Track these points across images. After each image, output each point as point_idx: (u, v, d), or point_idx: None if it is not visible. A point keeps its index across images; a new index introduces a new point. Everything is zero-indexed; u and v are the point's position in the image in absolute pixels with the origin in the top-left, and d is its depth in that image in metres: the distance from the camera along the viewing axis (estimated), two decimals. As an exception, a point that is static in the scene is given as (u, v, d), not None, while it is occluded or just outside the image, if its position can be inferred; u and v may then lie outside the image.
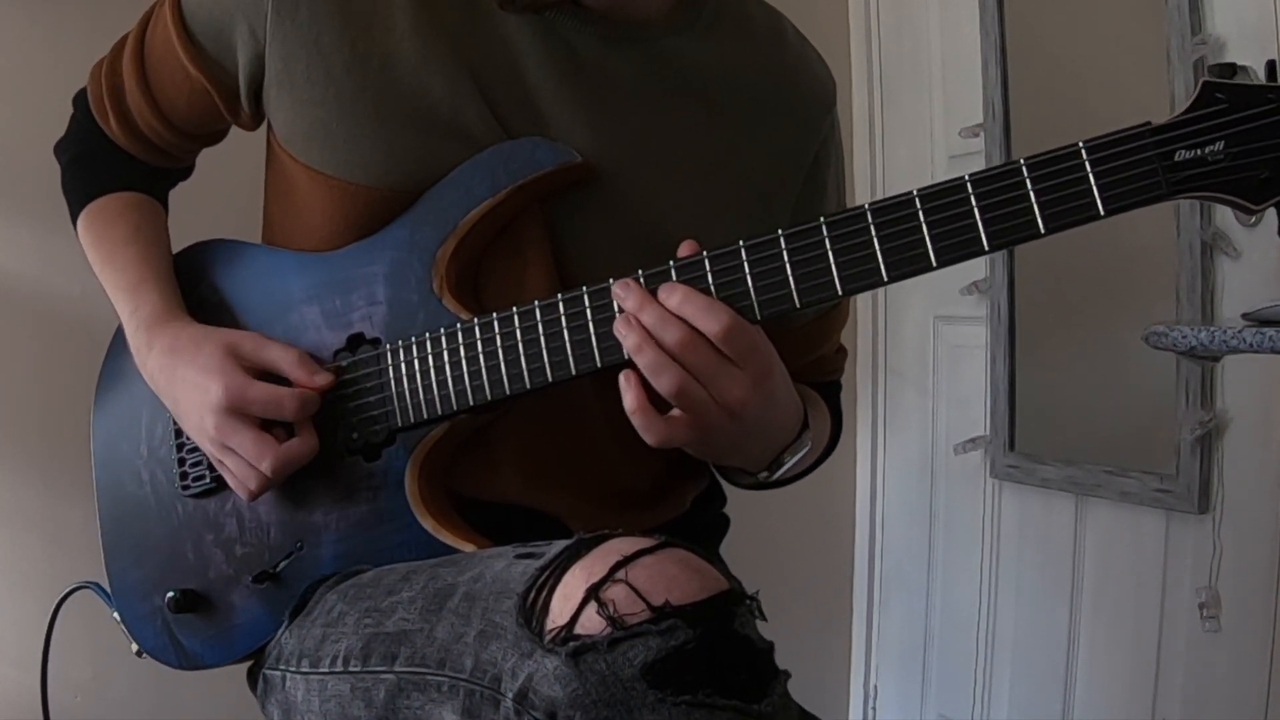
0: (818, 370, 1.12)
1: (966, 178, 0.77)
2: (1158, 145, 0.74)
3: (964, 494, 2.18)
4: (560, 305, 0.87)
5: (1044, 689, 1.98)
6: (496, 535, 0.90)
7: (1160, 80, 1.67)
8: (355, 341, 0.96)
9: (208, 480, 1.00)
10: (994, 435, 2.08)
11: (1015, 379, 2.04)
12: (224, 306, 1.03)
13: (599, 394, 0.95)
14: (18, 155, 1.73)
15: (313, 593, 0.94)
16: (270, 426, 0.93)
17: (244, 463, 0.92)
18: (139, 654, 1.05)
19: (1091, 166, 0.75)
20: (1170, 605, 1.73)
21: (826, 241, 0.80)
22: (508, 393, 0.89)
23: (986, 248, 0.77)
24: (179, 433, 1.02)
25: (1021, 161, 0.76)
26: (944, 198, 0.78)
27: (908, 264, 0.79)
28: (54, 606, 1.11)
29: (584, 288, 0.86)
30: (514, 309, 0.88)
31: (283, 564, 0.97)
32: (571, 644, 0.68)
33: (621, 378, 0.84)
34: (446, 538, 0.91)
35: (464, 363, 0.90)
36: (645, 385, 0.83)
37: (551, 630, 0.69)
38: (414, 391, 0.92)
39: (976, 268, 2.08)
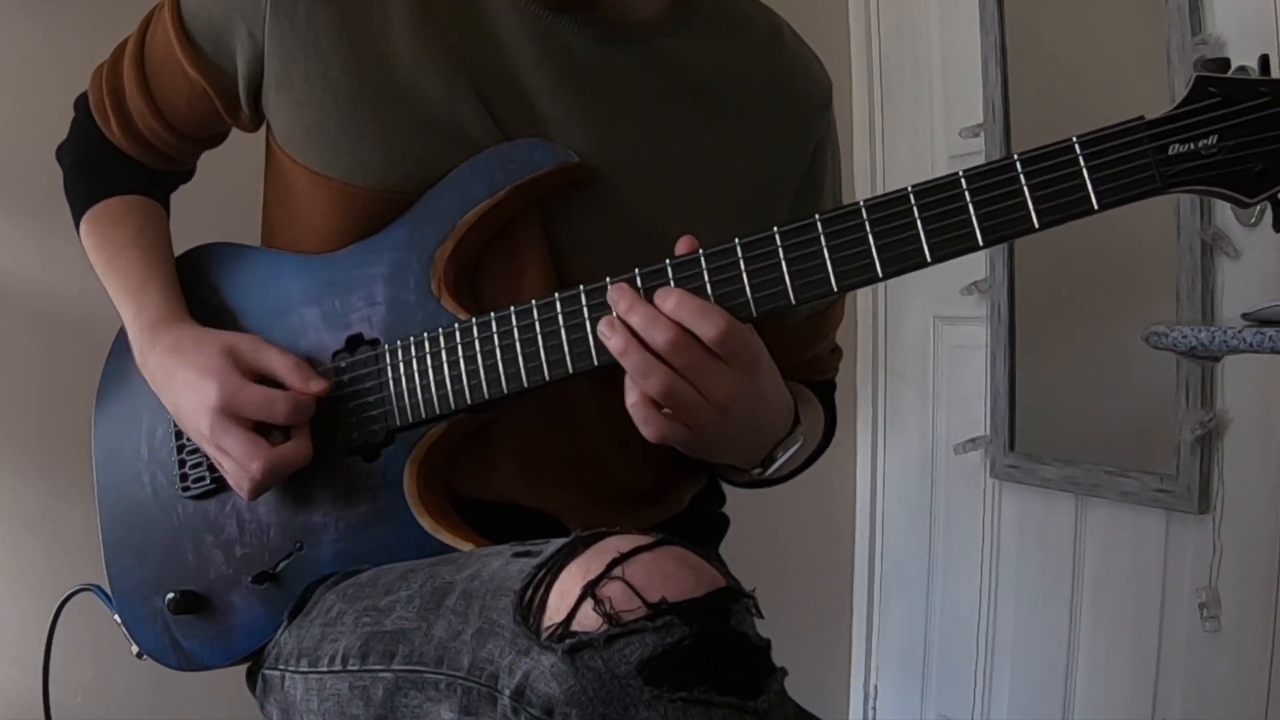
0: (812, 369, 1.12)
1: (961, 173, 0.77)
2: (1151, 139, 0.74)
3: (964, 494, 2.18)
4: (557, 304, 0.87)
5: (1044, 689, 1.98)
6: (494, 534, 0.90)
7: (1160, 80, 1.67)
8: (354, 342, 0.96)
9: (208, 482, 1.00)
10: (994, 435, 2.08)
11: (1015, 379, 2.04)
12: (224, 309, 1.03)
13: (596, 393, 0.95)
14: (18, 155, 1.73)
15: (311, 593, 0.94)
16: (265, 430, 0.93)
17: (236, 464, 0.92)
18: (139, 656, 1.06)
19: (1085, 161, 0.75)
20: (1170, 605, 1.73)
21: (821, 238, 0.80)
22: (505, 392, 0.89)
23: (981, 243, 0.77)
24: (179, 434, 1.02)
25: (1016, 157, 0.76)
26: (938, 194, 0.78)
27: (902, 260, 0.79)
28: (55, 609, 1.11)
29: (581, 287, 0.86)
30: (511, 309, 0.88)
31: (282, 564, 0.97)
32: (568, 641, 0.68)
33: (627, 380, 0.84)
34: (445, 537, 0.91)
35: (462, 362, 0.90)
36: None
37: (548, 627, 0.70)
38: (412, 391, 0.92)
39: (977, 268, 2.08)
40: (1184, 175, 0.74)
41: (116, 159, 1.10)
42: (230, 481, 0.95)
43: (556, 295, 0.87)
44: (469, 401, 0.90)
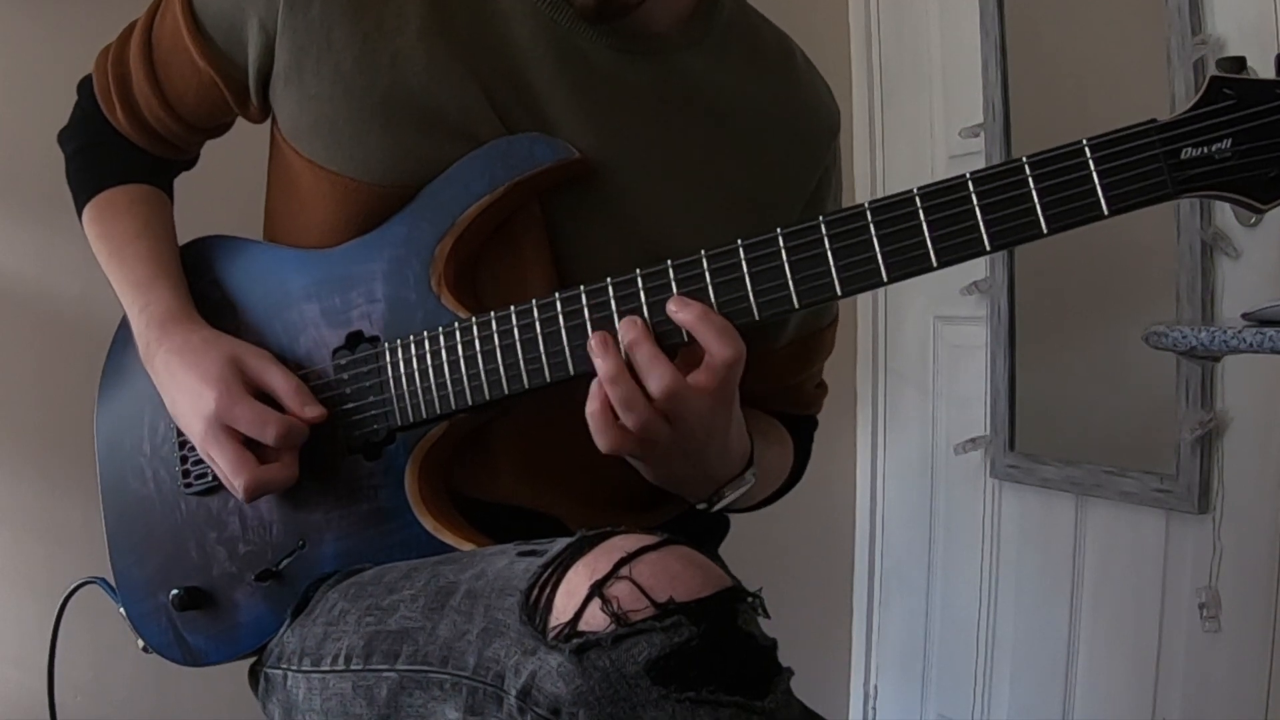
0: (793, 401, 1.12)
1: (968, 176, 0.76)
2: (1163, 143, 0.72)
3: (964, 494, 2.18)
4: (558, 305, 0.86)
5: (1044, 689, 1.98)
6: (496, 536, 0.90)
7: (1160, 80, 1.67)
8: (355, 339, 0.96)
9: (209, 479, 1.00)
10: (994, 435, 2.08)
11: (1015, 379, 2.04)
12: (224, 303, 1.03)
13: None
14: (18, 155, 1.73)
15: (314, 591, 0.94)
16: (256, 446, 0.93)
17: (222, 474, 0.93)
18: (145, 650, 1.06)
19: (1095, 165, 0.73)
20: (1170, 605, 1.73)
21: (825, 241, 0.79)
22: (506, 393, 0.89)
23: (988, 248, 0.76)
24: (181, 431, 1.02)
25: (1024, 160, 0.74)
26: (945, 196, 0.76)
27: (908, 264, 0.78)
28: (60, 602, 1.11)
29: (581, 287, 0.86)
30: (512, 308, 0.88)
31: (285, 562, 0.97)
32: (575, 641, 0.68)
33: (594, 385, 0.84)
34: (447, 536, 0.91)
35: (462, 362, 0.90)
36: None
37: (555, 627, 0.70)
38: (413, 391, 0.92)
39: (976, 268, 2.08)
40: (1196, 180, 0.72)
41: (121, 146, 1.10)
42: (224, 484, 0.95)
43: (557, 295, 0.87)
44: (470, 401, 0.90)
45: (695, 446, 0.86)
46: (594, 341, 0.83)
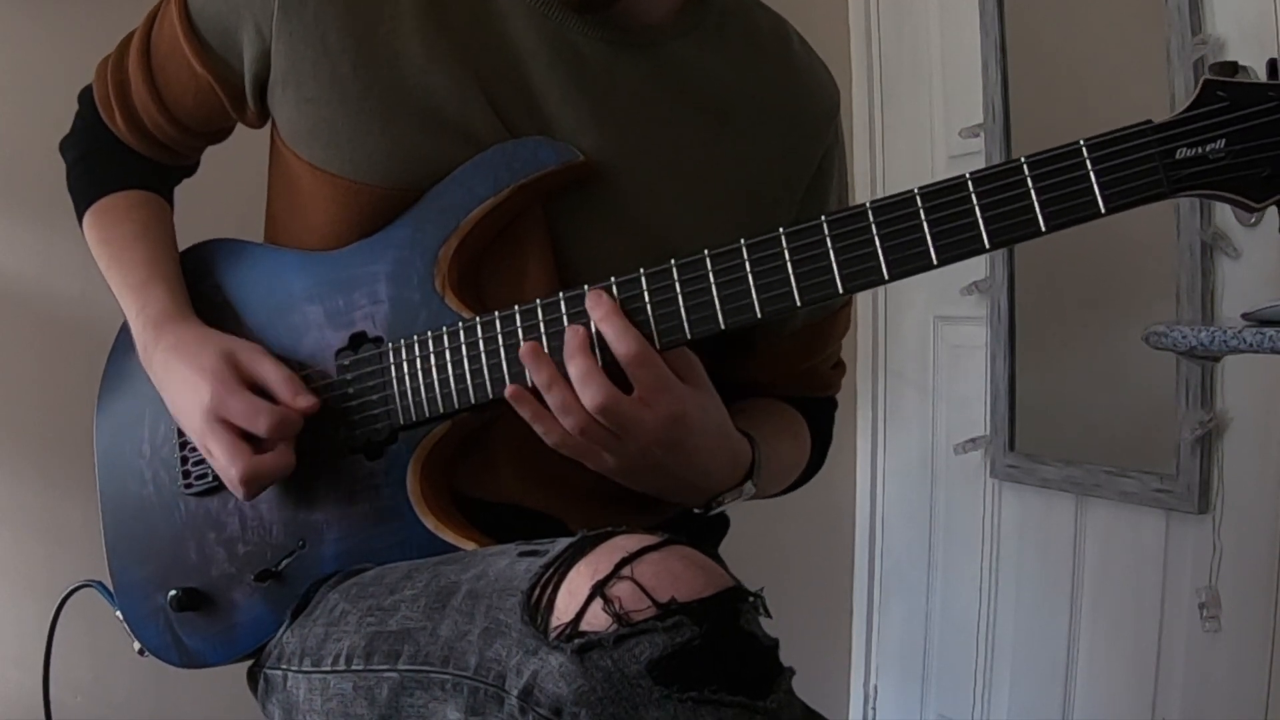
0: (809, 384, 1.11)
1: (968, 176, 0.77)
2: (1159, 143, 0.74)
3: (964, 494, 2.18)
4: (562, 304, 0.87)
5: (1044, 689, 1.98)
6: (497, 535, 0.90)
7: (1160, 80, 1.67)
8: (358, 340, 0.96)
9: (210, 479, 1.00)
10: (994, 435, 2.08)
11: (1015, 379, 2.04)
12: (227, 306, 1.03)
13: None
14: (18, 155, 1.73)
15: (314, 591, 0.94)
16: (253, 438, 0.93)
17: (219, 466, 0.93)
18: (141, 653, 1.06)
19: (1092, 165, 0.74)
20: (1170, 605, 1.73)
21: (828, 240, 0.80)
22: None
23: (988, 246, 0.77)
24: (181, 431, 1.02)
25: (1023, 160, 0.76)
26: (945, 196, 0.78)
27: (909, 262, 0.79)
28: (56, 605, 1.11)
29: (585, 287, 0.86)
30: (515, 308, 0.88)
31: (285, 562, 0.97)
32: (577, 641, 0.68)
33: (510, 394, 0.85)
34: (448, 536, 0.91)
35: (465, 361, 0.90)
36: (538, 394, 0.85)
37: (556, 627, 0.70)
38: (416, 390, 0.92)
39: (977, 268, 2.08)
40: (1191, 180, 0.73)
41: (121, 153, 1.10)
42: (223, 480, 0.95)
43: (561, 295, 0.87)
44: (473, 400, 0.90)
45: (655, 461, 0.86)
46: (525, 353, 0.85)
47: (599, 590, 0.69)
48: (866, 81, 2.40)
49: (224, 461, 0.92)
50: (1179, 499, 1.69)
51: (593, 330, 0.84)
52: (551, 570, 0.73)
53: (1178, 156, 0.73)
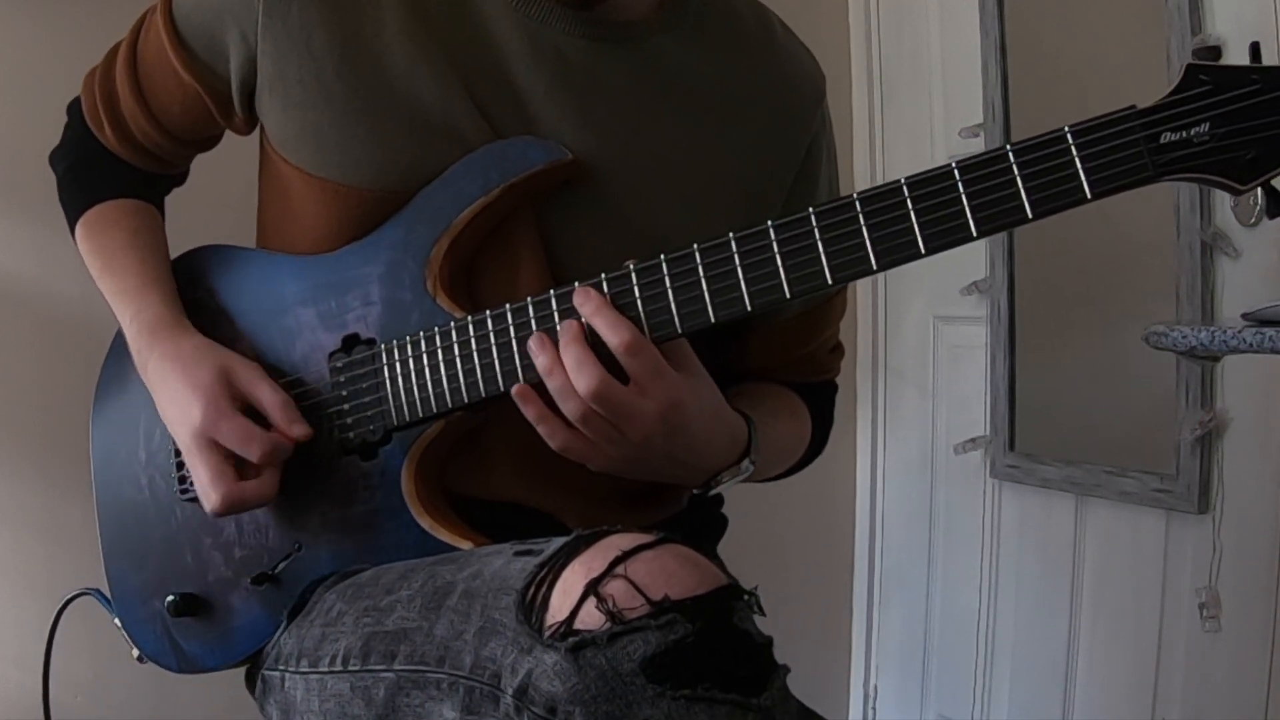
0: (808, 369, 1.12)
1: (953, 164, 0.78)
2: (1143, 128, 0.74)
3: (964, 494, 2.18)
4: (553, 302, 0.87)
5: (1044, 689, 1.98)
6: (492, 534, 0.90)
7: (1160, 80, 1.67)
8: (350, 342, 0.96)
9: (204, 486, 1.00)
10: (994, 435, 2.08)
11: (1015, 379, 2.04)
12: (220, 311, 1.03)
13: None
14: (18, 155, 1.73)
15: (311, 593, 0.94)
16: (239, 460, 0.93)
17: (200, 486, 0.93)
18: (140, 659, 1.06)
19: (1078, 150, 0.75)
20: (1170, 605, 1.73)
21: (816, 231, 0.81)
22: (502, 390, 0.89)
23: (975, 234, 0.77)
24: (176, 437, 1.03)
25: (1008, 147, 0.76)
26: (931, 185, 0.78)
27: (897, 251, 0.79)
28: (55, 612, 1.11)
29: (576, 284, 0.86)
30: (507, 306, 0.88)
31: (281, 565, 0.97)
32: (571, 639, 0.68)
33: (516, 393, 0.86)
34: (444, 535, 0.91)
35: (458, 360, 0.90)
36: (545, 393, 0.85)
37: (551, 626, 0.70)
38: (409, 390, 0.92)
39: (976, 268, 2.08)
40: (1176, 163, 0.74)
41: (110, 163, 1.10)
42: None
43: (552, 292, 0.87)
44: (466, 400, 0.90)
45: (656, 449, 0.86)
46: (533, 342, 0.85)
47: (593, 589, 0.69)
48: (866, 81, 2.40)
49: (206, 483, 0.92)
50: (1179, 499, 1.69)
51: (585, 325, 0.84)
52: (546, 569, 0.73)
53: (1162, 141, 0.74)
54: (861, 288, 2.38)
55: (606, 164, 0.94)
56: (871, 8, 2.39)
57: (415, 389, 0.92)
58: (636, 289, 0.85)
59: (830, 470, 2.40)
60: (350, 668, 0.83)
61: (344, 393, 0.95)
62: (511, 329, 0.88)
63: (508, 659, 0.71)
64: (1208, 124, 0.73)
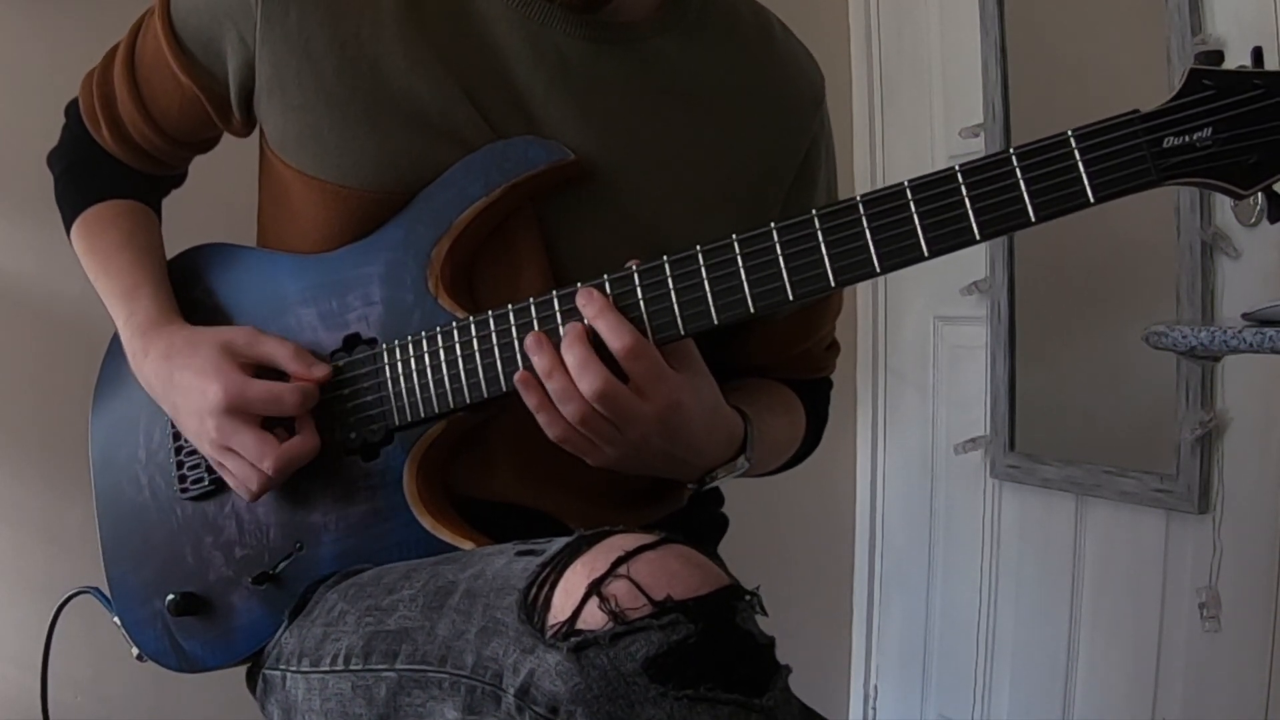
0: (804, 367, 1.12)
1: (957, 168, 0.78)
2: (1146, 132, 0.74)
3: (964, 494, 2.18)
4: (555, 302, 0.87)
5: (1044, 689, 1.98)
6: (494, 534, 0.91)
7: (1160, 80, 1.67)
8: (351, 342, 0.96)
9: (206, 483, 1.00)
10: (994, 435, 2.08)
11: (1015, 379, 2.04)
12: (219, 310, 1.03)
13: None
14: (18, 155, 1.73)
15: (312, 593, 0.94)
16: (271, 425, 0.93)
17: (245, 463, 0.92)
18: (139, 658, 1.05)
19: (1081, 155, 0.75)
20: (1170, 605, 1.73)
21: (819, 234, 0.81)
22: (504, 390, 0.89)
23: (978, 237, 0.78)
24: (177, 436, 1.02)
25: (1011, 151, 0.76)
26: (935, 188, 0.78)
27: (900, 254, 0.79)
28: (54, 611, 1.11)
29: (578, 285, 0.86)
30: (509, 307, 0.88)
31: (282, 565, 0.97)
32: (573, 639, 0.68)
33: (519, 379, 0.86)
34: (445, 535, 0.91)
35: (460, 360, 0.90)
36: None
37: (553, 626, 0.70)
38: (411, 390, 0.92)
39: (977, 268, 2.08)
40: (1179, 168, 0.74)
41: (107, 164, 1.10)
42: (233, 483, 0.94)
43: (554, 293, 0.87)
44: (468, 400, 0.90)
45: (654, 448, 0.87)
46: (529, 341, 0.85)
47: (595, 589, 0.69)
48: (866, 81, 2.40)
49: (255, 456, 0.91)
50: (1179, 499, 1.69)
51: (588, 327, 0.84)
52: (548, 569, 0.73)
53: (1165, 145, 0.74)
54: (862, 288, 2.38)
55: (607, 165, 0.94)
56: (871, 8, 2.39)
57: (417, 389, 0.92)
58: (639, 290, 0.85)
59: (830, 470, 2.41)
60: (352, 667, 0.83)
61: (345, 392, 0.95)
62: (514, 329, 0.88)
63: (510, 659, 0.71)
64: (1210, 129, 0.73)
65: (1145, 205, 0.76)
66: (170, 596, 1.01)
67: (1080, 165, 0.75)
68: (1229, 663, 1.63)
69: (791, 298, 0.82)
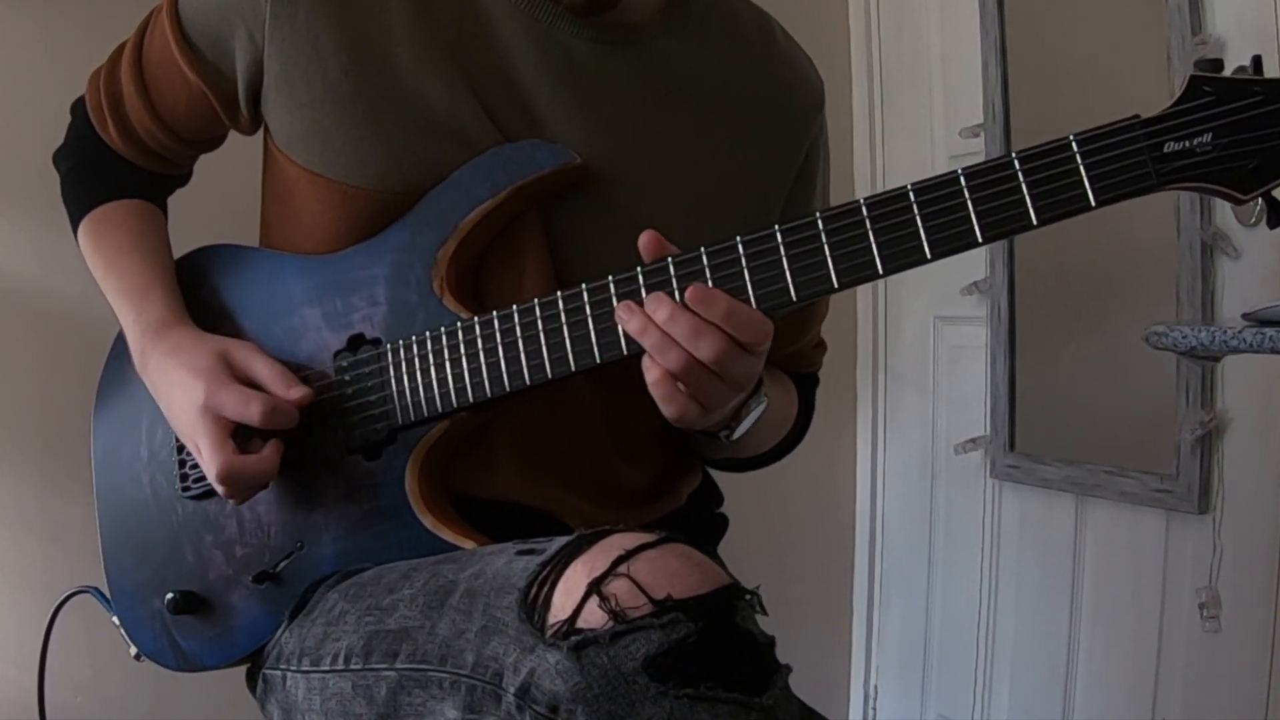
0: (794, 364, 1.12)
1: (959, 171, 0.79)
2: (1147, 137, 0.75)
3: (964, 494, 2.18)
4: (560, 302, 0.87)
5: (1044, 689, 1.98)
6: (495, 533, 0.91)
7: (1160, 80, 1.67)
8: (356, 342, 0.96)
9: (207, 482, 1.00)
10: (994, 435, 2.08)
11: (1015, 379, 2.04)
12: (225, 310, 1.03)
13: (596, 392, 0.96)
14: (18, 156, 1.73)
15: (313, 592, 0.94)
16: (245, 437, 0.93)
17: (202, 462, 0.93)
18: (138, 657, 1.05)
19: (1082, 159, 0.76)
20: (1170, 605, 1.73)
21: (822, 236, 0.81)
22: (508, 389, 0.89)
23: (980, 239, 0.78)
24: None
25: (1014, 155, 0.77)
26: (937, 191, 0.79)
27: (903, 257, 0.80)
28: (52, 611, 1.11)
29: (584, 286, 0.87)
30: (514, 307, 0.89)
31: (283, 564, 0.97)
32: (573, 638, 0.68)
33: (645, 359, 0.84)
34: (446, 535, 0.91)
35: (464, 360, 0.90)
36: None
37: (553, 625, 0.70)
38: (414, 390, 0.92)
39: (977, 268, 2.08)
40: (1179, 173, 0.75)
41: (114, 163, 1.10)
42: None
43: (559, 294, 0.87)
44: (471, 400, 0.90)
45: (734, 391, 0.85)
46: (619, 309, 0.83)
47: (595, 588, 0.69)
48: (866, 81, 2.40)
49: (208, 455, 0.92)
50: (1179, 499, 1.69)
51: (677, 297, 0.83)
52: (548, 568, 0.73)
53: (1165, 150, 0.75)
54: (862, 289, 2.38)
55: (612, 166, 0.94)
56: (871, 8, 2.39)
57: (420, 389, 0.92)
58: (643, 290, 0.85)
59: (830, 470, 2.40)
60: (352, 666, 0.83)
61: (349, 391, 0.95)
62: (518, 329, 0.88)
63: (510, 658, 0.71)
64: (1210, 134, 0.74)
65: (1145, 206, 0.77)
66: (170, 595, 1.01)
67: (1082, 169, 0.76)
68: (1229, 663, 1.63)
69: (795, 299, 0.82)
